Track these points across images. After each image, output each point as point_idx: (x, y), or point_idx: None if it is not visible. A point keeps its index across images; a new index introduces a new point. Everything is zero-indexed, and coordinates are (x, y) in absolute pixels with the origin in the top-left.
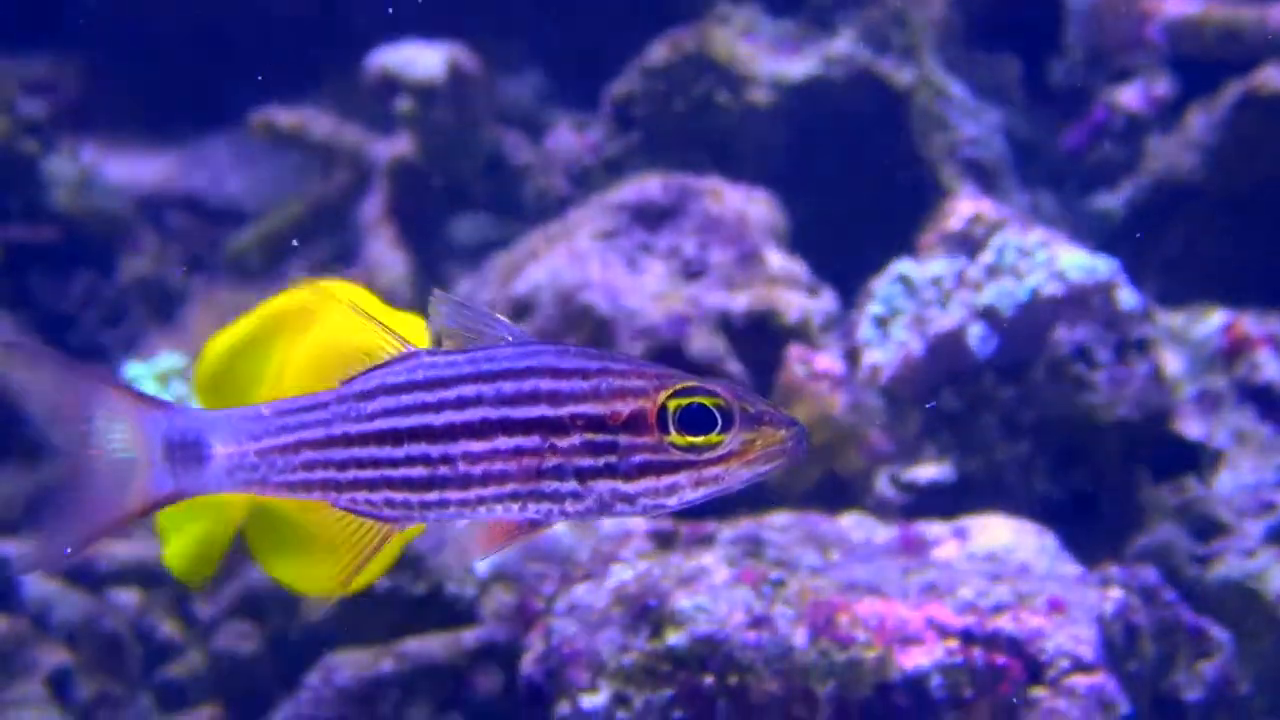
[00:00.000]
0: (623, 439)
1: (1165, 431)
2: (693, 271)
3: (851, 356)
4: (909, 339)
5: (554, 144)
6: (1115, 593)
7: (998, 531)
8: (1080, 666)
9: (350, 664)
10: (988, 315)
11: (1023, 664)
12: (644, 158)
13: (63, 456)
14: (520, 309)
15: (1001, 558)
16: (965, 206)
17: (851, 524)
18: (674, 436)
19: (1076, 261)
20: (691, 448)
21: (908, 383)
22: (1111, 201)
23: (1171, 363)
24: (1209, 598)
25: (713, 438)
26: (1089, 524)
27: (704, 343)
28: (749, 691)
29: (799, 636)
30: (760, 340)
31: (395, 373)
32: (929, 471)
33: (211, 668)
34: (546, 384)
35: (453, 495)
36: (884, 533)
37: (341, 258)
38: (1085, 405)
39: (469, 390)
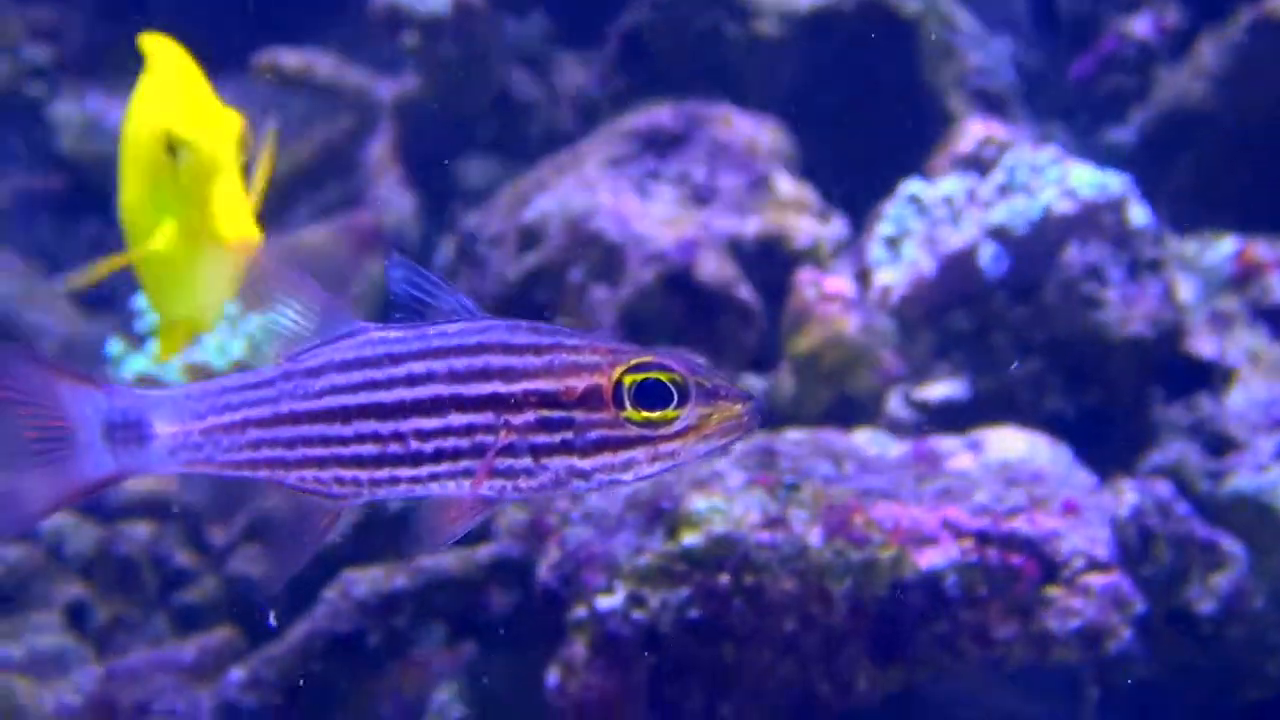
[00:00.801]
0: (578, 415)
1: (1177, 349)
2: (702, 197)
3: (862, 278)
4: (920, 258)
5: (561, 79)
6: (1130, 497)
7: (1011, 442)
8: (1095, 565)
9: (366, 579)
10: (999, 234)
11: (1038, 564)
12: (652, 91)
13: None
14: (529, 237)
15: (1016, 466)
16: (976, 129)
17: (865, 440)
18: (630, 412)
19: (1088, 179)
20: (648, 423)
21: (919, 303)
22: (1122, 134)
23: (1183, 289)
24: (1222, 512)
25: (669, 413)
26: (1101, 442)
27: (713, 267)
28: (765, 590)
29: (814, 537)
30: (770, 265)
31: (343, 349)
32: (941, 390)
33: (225, 591)
34: (499, 360)
35: (404, 473)
36: (897, 447)
37: (349, 200)
38: (1097, 323)
39: (419, 367)
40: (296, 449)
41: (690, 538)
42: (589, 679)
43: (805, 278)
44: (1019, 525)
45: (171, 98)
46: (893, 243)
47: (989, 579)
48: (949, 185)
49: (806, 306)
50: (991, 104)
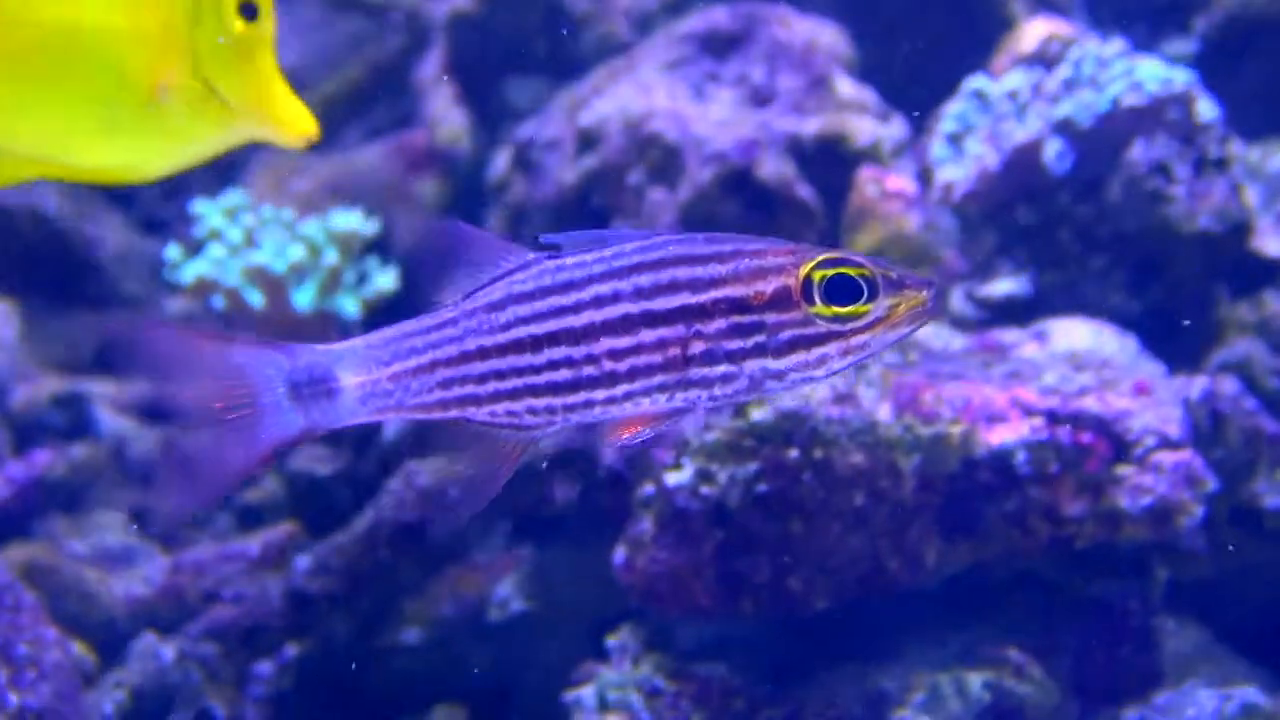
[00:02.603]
0: (769, 317)
1: (1244, 246)
2: (761, 98)
3: (924, 177)
4: (985, 153)
5: None
6: (1201, 380)
7: (1078, 332)
8: (1167, 443)
9: (430, 468)
10: (1065, 128)
11: (1109, 442)
12: None
13: (189, 415)
14: (587, 140)
15: (1083, 354)
16: (1039, 27)
17: (929, 333)
18: (820, 308)
19: (1155, 72)
20: (837, 318)
21: (982, 199)
22: (1183, 43)
23: (1249, 196)
24: None
25: (860, 308)
26: (1167, 339)
27: (774, 166)
28: (834, 464)
29: (884, 412)
30: (831, 164)
31: (520, 281)
32: (1005, 286)
33: (288, 489)
34: (684, 272)
35: (599, 394)
36: (961, 340)
37: (402, 120)
38: (1163, 217)
39: (605, 288)
40: (488, 384)
41: (759, 413)
42: (657, 554)
43: (867, 175)
44: (1089, 404)
45: None
46: (956, 139)
47: (1060, 457)
48: (1014, 80)
49: (868, 204)
50: (1052, 9)
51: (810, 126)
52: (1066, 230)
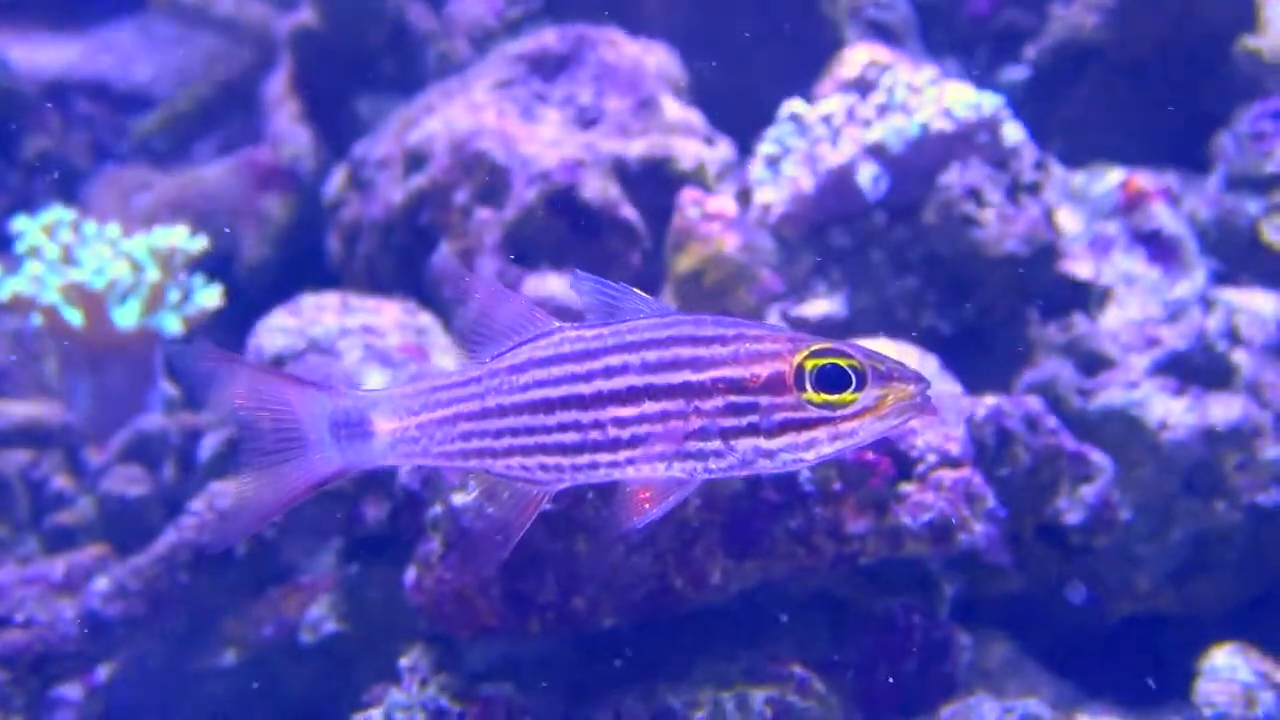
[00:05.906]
0: (763, 400)
1: (1053, 269)
2: (588, 119)
3: (744, 198)
4: (800, 176)
5: (456, 9)
6: (989, 399)
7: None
8: (948, 461)
9: (233, 490)
10: (877, 152)
11: (893, 460)
12: (547, 18)
13: (247, 444)
14: (415, 159)
15: None
16: (861, 54)
17: None
18: (811, 395)
19: (964, 98)
20: (827, 405)
21: (798, 221)
22: (1017, 70)
23: (1073, 220)
24: (1093, 428)
25: (847, 396)
26: (978, 359)
27: (597, 187)
28: (618, 482)
29: None
30: (656, 186)
31: (543, 347)
32: (821, 307)
33: (100, 510)
34: (688, 351)
35: (602, 459)
36: None
37: (250, 136)
38: (973, 241)
39: (615, 360)
40: (504, 439)
41: None
42: (443, 574)
43: (688, 197)
44: None
45: None
46: (774, 162)
47: (843, 475)
48: (829, 104)
49: (689, 226)
50: (886, 36)
51: (636, 148)
52: (880, 252)
